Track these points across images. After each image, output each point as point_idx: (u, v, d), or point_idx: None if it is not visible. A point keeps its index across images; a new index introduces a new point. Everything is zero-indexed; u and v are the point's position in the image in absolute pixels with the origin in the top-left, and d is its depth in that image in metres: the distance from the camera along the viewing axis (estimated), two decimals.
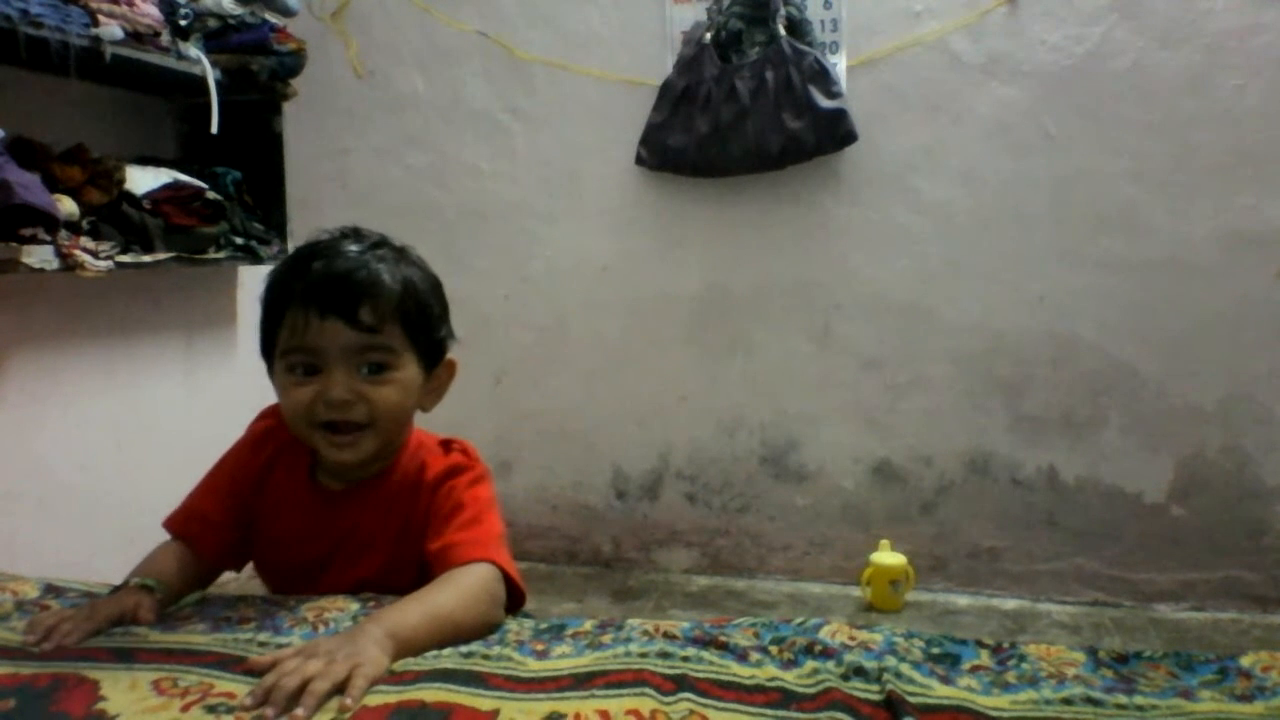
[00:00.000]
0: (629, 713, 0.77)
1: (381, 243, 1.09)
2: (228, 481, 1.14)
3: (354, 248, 1.06)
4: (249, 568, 1.20)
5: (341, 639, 0.86)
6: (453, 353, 1.15)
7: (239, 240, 2.40)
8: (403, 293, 1.05)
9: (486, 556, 1.02)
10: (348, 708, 0.77)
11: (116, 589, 1.03)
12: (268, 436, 1.15)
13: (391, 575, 1.09)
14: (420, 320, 1.07)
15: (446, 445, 1.16)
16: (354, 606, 1.00)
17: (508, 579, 1.03)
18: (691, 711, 0.78)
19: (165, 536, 1.12)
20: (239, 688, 0.81)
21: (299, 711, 0.76)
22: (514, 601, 1.05)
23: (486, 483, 1.13)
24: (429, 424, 1.17)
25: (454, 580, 0.99)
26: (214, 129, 2.23)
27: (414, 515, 1.10)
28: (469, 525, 1.06)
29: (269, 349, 1.08)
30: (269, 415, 1.17)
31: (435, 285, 1.12)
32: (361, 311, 1.02)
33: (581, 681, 0.83)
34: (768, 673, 0.85)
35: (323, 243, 1.08)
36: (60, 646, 0.90)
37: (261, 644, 0.91)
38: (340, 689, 0.80)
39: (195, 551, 1.10)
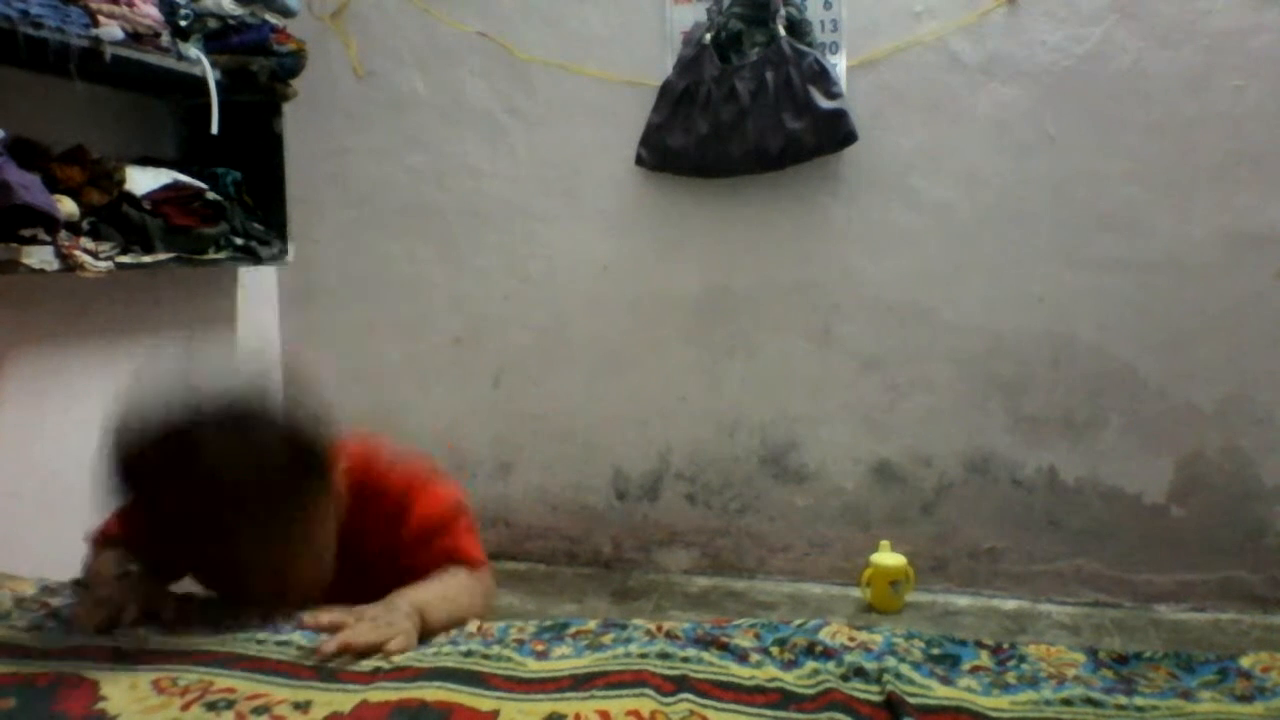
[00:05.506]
0: (629, 713, 0.77)
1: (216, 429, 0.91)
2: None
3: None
4: None
5: (381, 608, 0.93)
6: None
7: (239, 241, 2.39)
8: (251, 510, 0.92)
9: (479, 557, 1.09)
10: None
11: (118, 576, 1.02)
12: None
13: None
14: (278, 505, 0.94)
15: (389, 466, 1.09)
16: None
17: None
18: (691, 712, 0.78)
19: None
20: (239, 684, 0.82)
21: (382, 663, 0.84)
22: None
23: (444, 482, 1.13)
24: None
25: (459, 574, 1.05)
26: (214, 129, 2.23)
27: (389, 538, 1.07)
28: (447, 529, 1.10)
29: None
30: None
31: (285, 461, 0.92)
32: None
33: (581, 682, 0.83)
34: (768, 673, 0.85)
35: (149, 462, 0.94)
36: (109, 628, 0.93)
37: (260, 643, 0.91)
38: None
39: None
